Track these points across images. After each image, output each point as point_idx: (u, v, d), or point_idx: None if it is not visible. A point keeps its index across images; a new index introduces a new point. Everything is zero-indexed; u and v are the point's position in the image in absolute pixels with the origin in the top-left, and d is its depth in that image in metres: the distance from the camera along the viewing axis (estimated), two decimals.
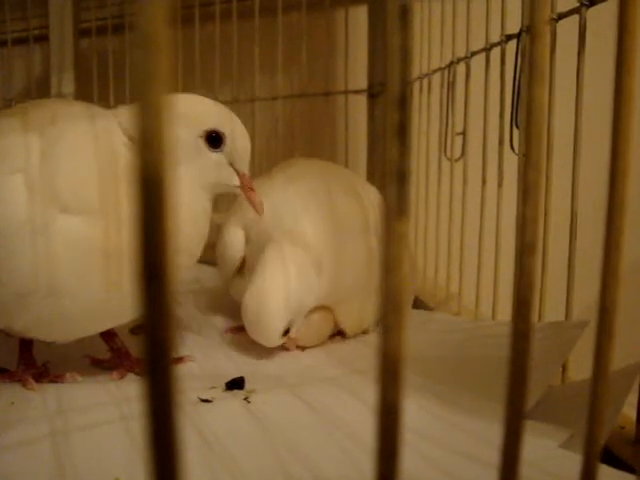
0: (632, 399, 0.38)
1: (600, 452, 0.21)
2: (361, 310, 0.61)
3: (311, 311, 0.59)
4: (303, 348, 0.60)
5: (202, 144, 0.49)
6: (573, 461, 0.32)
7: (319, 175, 0.66)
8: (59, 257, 0.43)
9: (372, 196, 0.66)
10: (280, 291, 0.54)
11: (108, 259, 0.44)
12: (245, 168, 0.52)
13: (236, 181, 0.51)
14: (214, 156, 0.49)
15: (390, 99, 0.14)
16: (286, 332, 0.56)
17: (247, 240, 0.63)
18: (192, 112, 0.49)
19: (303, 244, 0.57)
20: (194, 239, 0.49)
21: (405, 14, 0.14)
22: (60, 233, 0.43)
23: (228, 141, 0.50)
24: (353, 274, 0.59)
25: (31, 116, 0.47)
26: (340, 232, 0.59)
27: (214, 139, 0.49)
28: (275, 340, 0.56)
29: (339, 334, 0.63)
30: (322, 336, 0.61)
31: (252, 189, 0.52)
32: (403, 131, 0.14)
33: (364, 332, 0.63)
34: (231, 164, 0.51)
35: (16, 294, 0.44)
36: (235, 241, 0.63)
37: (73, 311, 0.45)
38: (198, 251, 0.51)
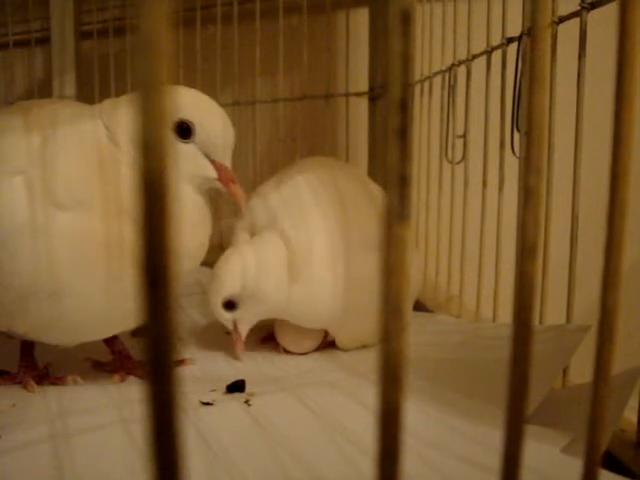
0: (633, 402, 0.38)
1: (601, 457, 0.21)
2: (360, 330, 0.58)
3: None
4: (288, 352, 0.60)
5: (172, 136, 0.48)
6: (574, 466, 0.32)
7: (329, 175, 0.62)
8: (59, 255, 0.43)
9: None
10: (236, 262, 0.56)
11: (108, 254, 0.44)
12: (224, 159, 0.49)
13: (212, 173, 0.49)
14: (185, 147, 0.48)
15: (391, 102, 0.14)
16: (230, 306, 0.56)
17: None
18: None
19: (286, 242, 0.57)
20: (193, 238, 0.48)
21: (406, 17, 0.14)
22: (59, 230, 0.43)
23: (199, 131, 0.47)
24: (357, 294, 0.55)
25: (31, 115, 0.47)
26: (347, 251, 0.56)
27: (183, 130, 0.47)
28: (216, 307, 0.57)
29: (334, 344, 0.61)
30: (307, 342, 0.60)
31: (233, 181, 0.50)
32: (404, 134, 0.14)
33: (363, 346, 0.60)
34: (207, 155, 0.49)
35: (18, 296, 0.44)
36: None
37: (75, 312, 0.45)
38: (199, 252, 0.50)
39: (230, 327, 0.58)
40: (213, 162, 0.49)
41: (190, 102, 0.48)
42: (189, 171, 0.48)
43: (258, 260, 0.56)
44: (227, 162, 0.50)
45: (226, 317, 0.57)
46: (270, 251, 0.56)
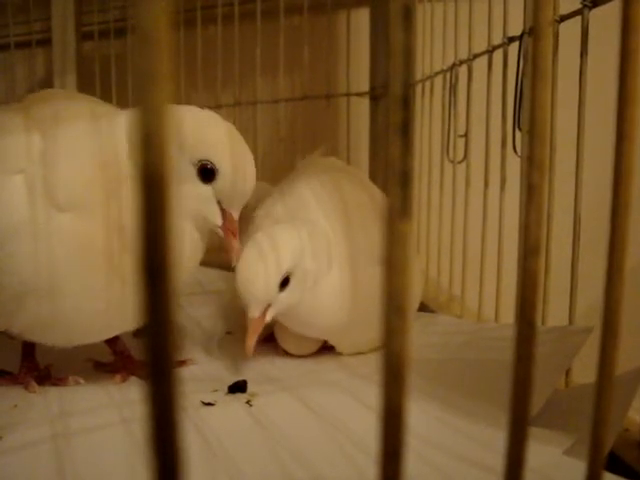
0: (637, 403, 0.37)
1: (605, 458, 0.20)
2: (361, 341, 0.58)
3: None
4: (288, 354, 0.59)
5: (194, 172, 0.45)
6: (578, 468, 0.32)
7: (332, 182, 0.60)
8: (58, 255, 0.43)
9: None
10: (294, 234, 0.52)
11: (107, 255, 0.43)
12: (234, 210, 0.47)
13: (218, 220, 0.47)
14: (201, 188, 0.46)
15: (392, 97, 0.14)
16: (285, 282, 0.51)
17: None
18: (195, 135, 0.45)
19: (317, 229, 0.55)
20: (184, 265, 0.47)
21: (408, 12, 0.13)
22: (58, 230, 0.43)
23: (220, 178, 0.46)
24: (361, 307, 0.54)
25: (33, 114, 0.46)
26: (352, 262, 0.55)
27: (207, 171, 0.45)
28: (270, 282, 0.50)
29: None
30: (308, 345, 0.59)
31: (234, 234, 0.47)
32: (406, 130, 0.14)
33: (360, 353, 0.59)
34: (219, 202, 0.47)
35: (16, 294, 0.44)
36: None
37: (73, 313, 0.45)
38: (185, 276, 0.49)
39: (257, 313, 0.51)
40: (223, 210, 0.47)
41: (222, 145, 0.46)
42: (196, 212, 0.46)
43: (311, 238, 0.53)
44: (236, 213, 0.48)
45: (275, 296, 0.51)
46: (320, 232, 0.55)
